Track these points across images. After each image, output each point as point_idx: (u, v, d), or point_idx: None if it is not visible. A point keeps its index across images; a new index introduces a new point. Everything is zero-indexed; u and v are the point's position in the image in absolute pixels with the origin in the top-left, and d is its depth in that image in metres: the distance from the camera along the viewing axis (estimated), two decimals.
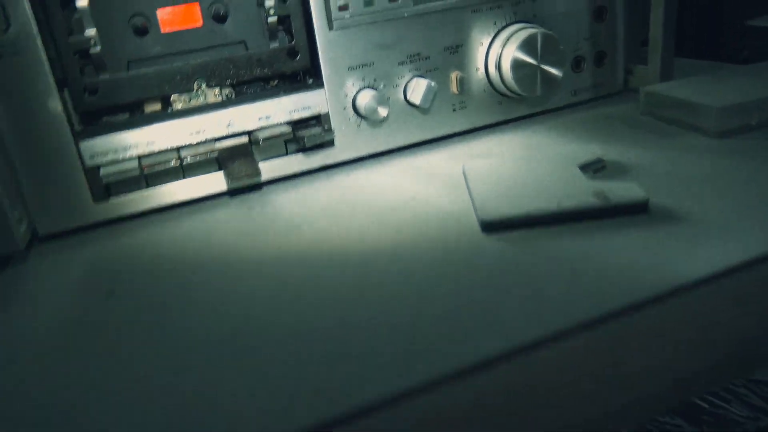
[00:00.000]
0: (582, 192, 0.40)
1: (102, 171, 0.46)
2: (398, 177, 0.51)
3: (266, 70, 0.50)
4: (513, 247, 0.37)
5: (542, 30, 0.53)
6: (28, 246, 0.45)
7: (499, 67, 0.55)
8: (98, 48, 0.44)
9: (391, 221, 0.43)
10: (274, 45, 0.50)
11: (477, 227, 0.40)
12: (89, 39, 0.44)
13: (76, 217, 0.46)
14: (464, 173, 0.47)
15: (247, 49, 0.50)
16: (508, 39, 0.54)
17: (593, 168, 0.45)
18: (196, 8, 0.48)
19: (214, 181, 0.50)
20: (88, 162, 0.46)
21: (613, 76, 0.61)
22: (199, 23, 0.49)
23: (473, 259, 0.37)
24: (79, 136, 0.45)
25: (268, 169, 0.51)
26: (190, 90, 0.48)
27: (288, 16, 0.49)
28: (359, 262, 0.38)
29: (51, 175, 0.45)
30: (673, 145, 0.49)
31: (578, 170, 0.43)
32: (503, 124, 0.59)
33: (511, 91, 0.56)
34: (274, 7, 0.48)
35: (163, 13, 0.47)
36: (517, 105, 0.58)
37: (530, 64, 0.54)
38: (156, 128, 0.47)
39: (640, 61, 0.62)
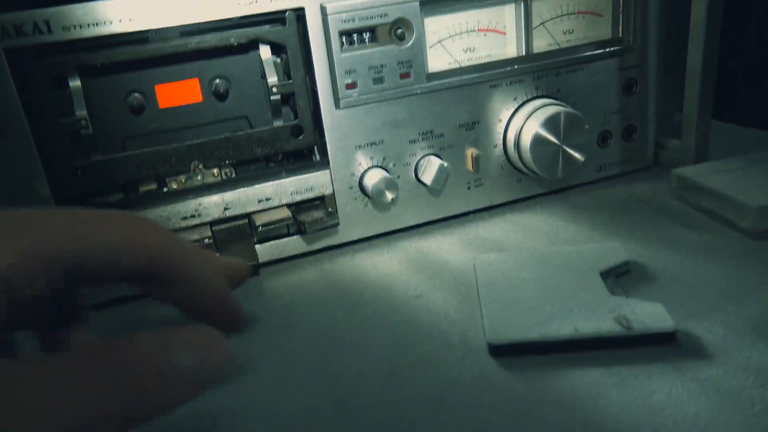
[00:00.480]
0: (603, 312, 0.36)
1: None
2: (405, 265, 0.47)
3: (268, 149, 0.47)
4: (521, 379, 0.34)
5: (566, 108, 0.50)
6: None
7: (518, 145, 0.51)
8: (90, 129, 0.42)
9: (393, 326, 0.39)
10: (278, 123, 0.47)
11: (483, 346, 0.36)
12: (80, 120, 0.42)
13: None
14: (475, 269, 0.44)
15: (249, 124, 0.48)
16: (529, 116, 0.51)
17: (616, 272, 0.41)
18: (196, 84, 0.46)
19: None
20: None
21: (642, 152, 0.57)
22: (199, 99, 0.46)
23: (475, 392, 0.33)
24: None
25: (268, 250, 0.48)
26: (186, 171, 0.46)
27: (292, 94, 0.46)
28: (350, 379, 0.35)
29: None
30: (706, 245, 0.45)
31: (599, 279, 0.39)
32: (521, 201, 0.55)
33: (530, 170, 0.52)
34: (278, 85, 0.45)
35: (161, 89, 0.45)
36: (537, 183, 0.55)
37: (552, 144, 0.50)
38: (149, 213, 0.44)
39: (672, 134, 0.58)
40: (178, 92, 0.45)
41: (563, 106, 0.51)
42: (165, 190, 0.46)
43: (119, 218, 0.25)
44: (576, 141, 0.51)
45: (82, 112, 0.42)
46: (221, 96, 0.46)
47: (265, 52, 0.45)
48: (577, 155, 0.51)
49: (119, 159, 0.44)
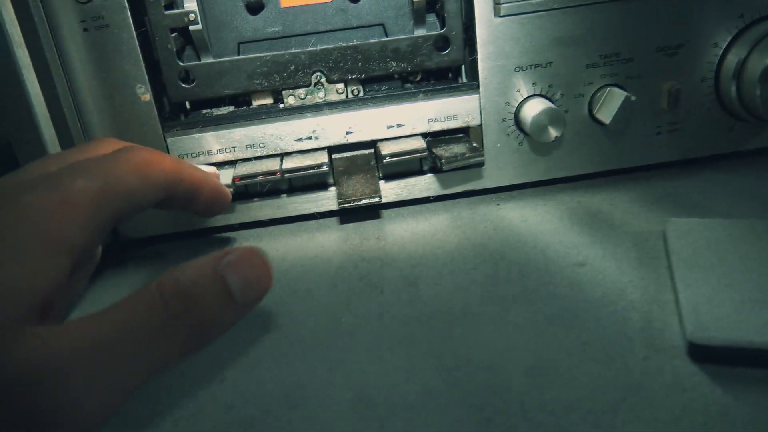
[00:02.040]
0: None
1: None
2: (566, 223, 0.37)
3: (405, 63, 0.38)
4: (738, 401, 0.22)
5: None
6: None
7: (739, 78, 0.38)
8: (199, 26, 0.36)
9: (544, 301, 0.29)
10: (420, 31, 0.38)
11: (678, 343, 0.25)
12: (189, 14, 0.35)
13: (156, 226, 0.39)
14: (665, 237, 0.32)
15: (385, 33, 0.39)
16: (759, 41, 0.37)
17: None
18: None
19: (324, 198, 0.40)
20: None
21: None
22: None
23: (664, 410, 0.22)
24: (167, 131, 0.37)
25: (394, 188, 0.40)
26: (307, 84, 0.38)
27: None
28: (478, 370, 0.25)
29: None
30: None
31: None
32: (730, 158, 0.42)
33: (752, 114, 0.38)
34: None
35: None
36: (755, 134, 0.41)
37: None
38: (260, 129, 0.37)
39: None
40: None
41: None
42: (281, 105, 0.39)
43: (133, 160, 0.27)
44: None
45: (191, 4, 0.35)
46: None
47: None
48: None
49: (231, 63, 0.37)
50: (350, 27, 0.39)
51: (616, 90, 0.38)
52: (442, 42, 0.37)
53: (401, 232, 0.38)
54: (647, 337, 0.26)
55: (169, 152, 0.37)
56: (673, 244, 0.31)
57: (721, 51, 0.39)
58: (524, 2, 0.36)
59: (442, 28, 0.38)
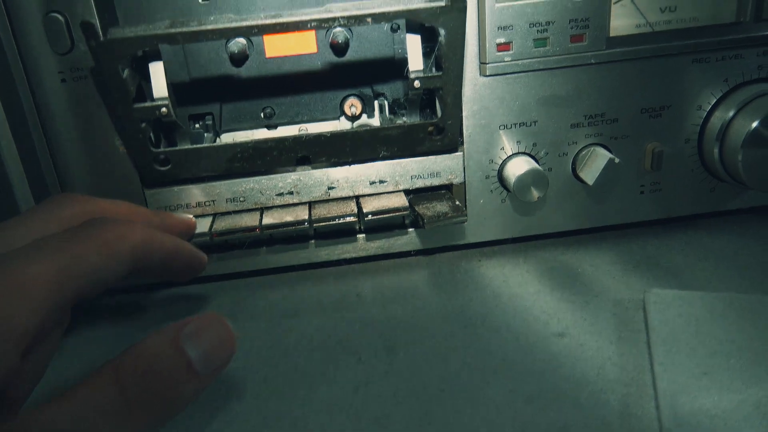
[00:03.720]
0: None
1: None
2: (546, 286, 0.36)
3: (396, 149, 0.37)
4: None
5: None
6: None
7: (722, 143, 0.38)
8: (172, 116, 0.34)
9: (521, 375, 0.29)
10: (413, 116, 0.37)
11: (655, 431, 0.25)
12: (161, 107, 0.33)
13: None
14: (646, 309, 0.32)
15: (371, 85, 0.39)
16: (743, 105, 0.37)
17: None
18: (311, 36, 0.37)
19: (304, 251, 0.39)
20: None
21: None
22: (314, 49, 0.37)
23: None
24: (146, 184, 0.36)
25: (375, 242, 0.40)
26: (291, 167, 0.37)
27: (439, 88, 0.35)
28: None
29: None
30: None
31: None
32: (711, 218, 0.42)
33: (733, 178, 0.38)
34: (422, 78, 0.34)
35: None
36: (737, 194, 0.41)
37: None
38: (239, 185, 0.37)
39: None
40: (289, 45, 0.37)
41: None
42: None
43: (98, 236, 0.25)
44: None
45: (160, 86, 0.33)
46: (339, 49, 0.37)
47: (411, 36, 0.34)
48: None
49: (210, 150, 0.35)
50: (337, 79, 0.38)
51: (600, 151, 0.38)
52: (437, 129, 0.37)
53: (382, 288, 0.38)
54: (625, 424, 0.26)
55: (147, 205, 0.36)
56: (652, 318, 0.31)
57: (705, 113, 0.39)
58: (509, 63, 0.36)
59: (435, 115, 0.37)
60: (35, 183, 0.35)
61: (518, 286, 0.37)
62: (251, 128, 0.39)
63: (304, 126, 0.39)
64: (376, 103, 0.39)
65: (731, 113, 0.38)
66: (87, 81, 0.34)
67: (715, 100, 0.38)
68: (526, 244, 0.41)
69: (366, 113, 0.40)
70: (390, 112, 0.39)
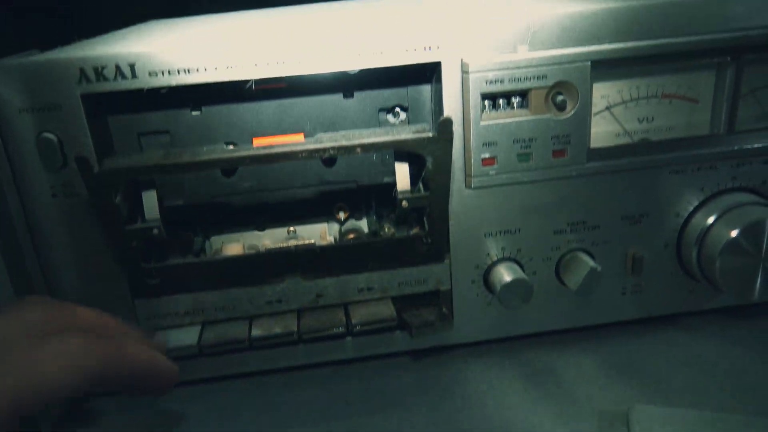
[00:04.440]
0: None
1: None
2: (531, 392, 0.37)
3: (383, 260, 0.38)
4: None
5: None
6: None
7: (699, 249, 0.39)
8: (162, 233, 0.34)
9: None
10: (401, 230, 0.38)
11: None
12: (152, 228, 0.34)
13: None
14: (629, 424, 0.33)
15: (358, 190, 0.39)
16: (720, 214, 0.38)
17: None
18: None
19: (291, 355, 0.40)
20: (144, 324, 0.37)
21: None
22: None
23: None
24: (135, 294, 0.36)
25: (363, 343, 0.40)
26: (281, 281, 0.38)
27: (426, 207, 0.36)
28: None
29: None
30: None
31: None
32: (691, 316, 0.43)
33: (710, 283, 0.39)
34: (410, 198, 0.35)
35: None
36: (715, 295, 0.42)
37: (749, 257, 0.37)
38: (229, 293, 0.37)
39: None
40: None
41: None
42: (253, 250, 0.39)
43: (61, 350, 0.25)
44: None
45: (153, 217, 0.34)
46: (329, 161, 0.38)
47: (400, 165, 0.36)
48: None
49: (201, 264, 0.36)
50: (325, 182, 0.39)
51: (583, 256, 0.39)
52: (423, 242, 0.37)
53: (369, 394, 0.38)
54: None
55: (137, 313, 0.37)
56: (635, 428, 0.31)
57: (683, 220, 0.40)
58: (494, 176, 0.37)
59: (423, 228, 0.38)
60: (22, 291, 0.35)
61: (503, 396, 0.37)
62: (240, 231, 0.40)
63: (293, 228, 0.40)
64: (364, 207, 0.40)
65: (709, 220, 0.39)
66: (78, 197, 0.34)
67: (692, 208, 0.40)
68: (511, 343, 0.42)
69: (354, 217, 0.40)
70: (377, 216, 0.40)
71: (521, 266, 0.39)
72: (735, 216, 0.38)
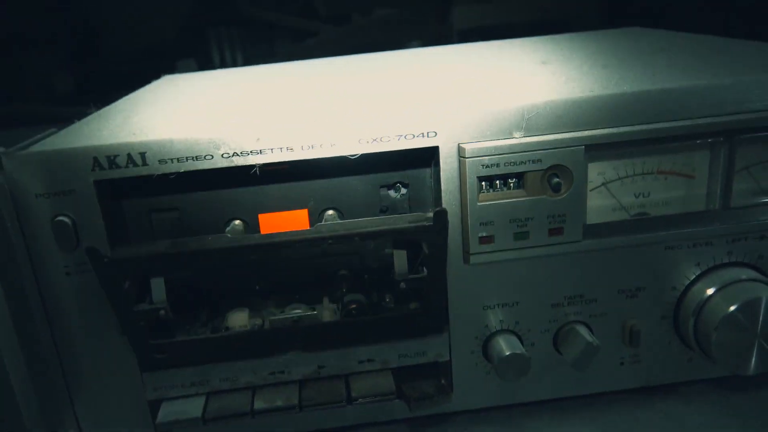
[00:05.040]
0: None
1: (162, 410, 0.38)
2: None
3: (376, 338, 0.39)
4: None
5: None
6: None
7: (696, 322, 0.40)
8: (169, 314, 0.36)
9: None
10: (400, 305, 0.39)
11: None
12: (159, 310, 0.35)
13: None
14: None
15: (361, 260, 0.41)
16: (717, 289, 0.39)
17: None
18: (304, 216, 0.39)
19: (290, 421, 0.41)
20: (151, 394, 0.38)
21: None
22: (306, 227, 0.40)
23: None
24: (144, 368, 0.38)
25: (360, 410, 0.41)
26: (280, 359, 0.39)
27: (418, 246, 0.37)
28: None
29: (108, 402, 0.38)
30: None
31: None
32: (688, 386, 0.43)
33: (705, 354, 0.40)
34: (407, 279, 0.37)
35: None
36: (713, 364, 0.42)
37: (745, 332, 0.38)
38: (234, 365, 0.38)
39: None
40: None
41: (765, 283, 0.39)
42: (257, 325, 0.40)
43: None
44: None
45: (160, 299, 0.35)
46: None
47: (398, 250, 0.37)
48: None
49: (203, 342, 0.37)
50: (328, 255, 0.40)
51: (580, 329, 0.39)
52: (422, 318, 0.38)
53: None
54: None
55: (144, 384, 0.38)
56: None
57: (679, 293, 0.40)
58: (491, 254, 0.38)
59: (421, 305, 0.39)
60: (34, 363, 0.36)
61: None
62: (245, 299, 0.41)
63: (296, 306, 0.41)
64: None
65: (706, 294, 0.39)
66: (91, 275, 0.36)
67: (688, 282, 0.40)
68: (510, 411, 0.42)
69: (355, 287, 0.41)
70: (377, 288, 0.41)
71: (519, 338, 0.40)
72: (732, 292, 0.38)
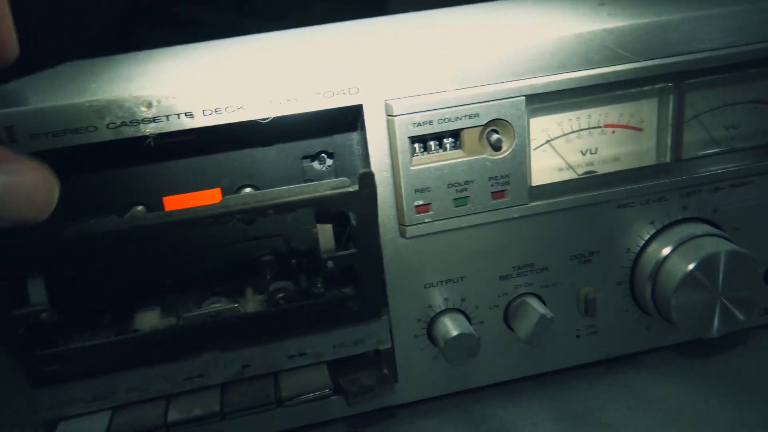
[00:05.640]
0: None
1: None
2: None
3: (309, 326, 0.34)
4: None
5: (729, 246, 0.35)
6: None
7: (654, 284, 0.37)
8: (51, 316, 0.30)
9: None
10: (331, 289, 0.35)
11: None
12: (40, 313, 0.29)
13: None
14: None
15: (286, 244, 0.36)
16: (674, 248, 0.36)
17: None
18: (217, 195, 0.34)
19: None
20: (45, 414, 0.33)
21: None
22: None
23: None
24: (33, 383, 0.32)
25: (293, 412, 0.36)
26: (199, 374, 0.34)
27: (345, 218, 0.33)
28: None
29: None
30: None
31: None
32: (648, 354, 0.40)
33: (665, 318, 0.37)
34: (334, 257, 0.32)
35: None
36: (672, 329, 0.40)
37: (705, 293, 0.35)
38: (141, 372, 0.33)
39: None
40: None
41: (723, 238, 0.36)
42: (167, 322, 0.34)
43: None
44: (739, 292, 0.35)
45: (39, 300, 0.30)
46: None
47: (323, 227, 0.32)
48: (737, 312, 0.36)
49: (99, 347, 0.32)
50: (249, 239, 0.36)
51: (532, 302, 0.36)
52: (356, 301, 0.34)
53: None
54: None
55: (35, 404, 0.32)
56: None
57: (635, 255, 0.37)
58: (430, 224, 0.34)
59: (355, 287, 0.34)
60: None
61: None
62: (155, 305, 0.36)
63: (216, 301, 0.36)
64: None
65: (662, 255, 0.36)
66: None
67: (643, 242, 0.37)
68: (463, 397, 0.38)
69: (282, 274, 0.37)
70: (307, 272, 0.37)
71: (467, 316, 0.36)
72: (688, 250, 0.36)
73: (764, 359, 0.39)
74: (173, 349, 0.33)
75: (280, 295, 0.36)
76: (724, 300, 0.35)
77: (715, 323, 0.36)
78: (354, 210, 0.30)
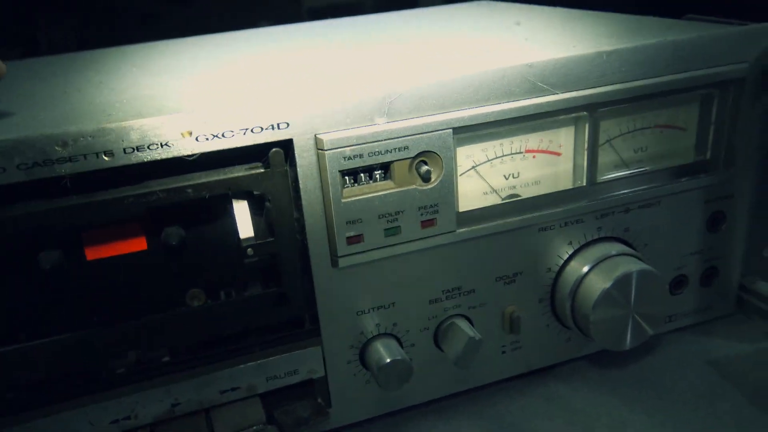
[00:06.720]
0: None
1: None
2: None
3: (238, 326, 0.34)
4: None
5: (640, 267, 0.37)
6: None
7: (573, 301, 0.39)
8: None
9: None
10: (254, 289, 0.34)
11: None
12: None
13: None
14: None
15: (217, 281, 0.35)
16: (591, 267, 0.38)
17: None
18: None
19: None
20: None
21: (724, 297, 0.45)
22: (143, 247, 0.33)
23: None
24: None
25: None
26: (121, 366, 0.33)
27: (275, 255, 0.33)
28: None
29: None
30: None
31: None
32: (567, 364, 0.43)
33: (584, 334, 0.39)
34: (254, 245, 0.32)
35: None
36: (589, 341, 0.42)
37: (620, 309, 0.38)
38: (65, 416, 0.31)
39: (761, 275, 0.45)
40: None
41: (634, 256, 0.38)
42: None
43: None
44: (649, 308, 0.38)
45: None
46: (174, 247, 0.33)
47: (238, 203, 0.32)
48: (647, 326, 0.38)
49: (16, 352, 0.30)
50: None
51: (461, 324, 0.37)
52: (279, 298, 0.34)
53: None
54: None
55: None
56: None
57: (555, 274, 0.39)
58: (361, 254, 0.34)
59: (279, 285, 0.34)
60: None
61: None
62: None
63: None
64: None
65: (581, 273, 0.38)
66: None
67: (563, 262, 0.39)
68: (394, 418, 0.39)
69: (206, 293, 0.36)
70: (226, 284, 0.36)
71: (399, 340, 0.37)
72: (604, 269, 0.38)
73: (669, 364, 0.42)
74: (95, 388, 0.32)
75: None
76: (636, 315, 0.38)
77: (628, 337, 0.38)
78: (268, 191, 0.31)
